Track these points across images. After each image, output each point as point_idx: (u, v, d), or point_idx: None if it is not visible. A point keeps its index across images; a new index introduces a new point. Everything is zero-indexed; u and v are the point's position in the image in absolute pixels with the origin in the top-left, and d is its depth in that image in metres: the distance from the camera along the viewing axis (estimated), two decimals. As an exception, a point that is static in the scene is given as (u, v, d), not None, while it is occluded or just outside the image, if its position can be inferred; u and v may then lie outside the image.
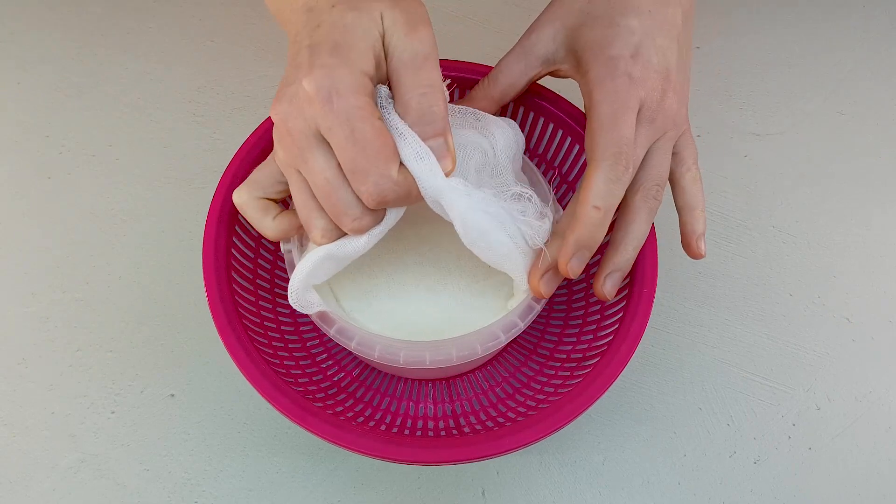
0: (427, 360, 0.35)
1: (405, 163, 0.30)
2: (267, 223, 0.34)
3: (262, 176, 0.34)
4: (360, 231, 0.32)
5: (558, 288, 0.37)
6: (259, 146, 0.42)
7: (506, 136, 0.36)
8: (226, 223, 0.39)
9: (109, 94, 0.56)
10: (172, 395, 0.46)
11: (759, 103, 0.57)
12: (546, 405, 0.37)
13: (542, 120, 0.44)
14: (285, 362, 0.40)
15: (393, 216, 0.32)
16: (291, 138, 0.30)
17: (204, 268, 0.38)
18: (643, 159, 0.35)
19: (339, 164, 0.30)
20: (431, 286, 0.39)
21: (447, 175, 0.31)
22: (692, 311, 0.49)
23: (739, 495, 0.44)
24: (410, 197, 0.31)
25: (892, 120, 0.57)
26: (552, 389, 0.40)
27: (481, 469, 0.44)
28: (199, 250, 0.38)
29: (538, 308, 0.36)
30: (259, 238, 0.42)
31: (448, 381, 0.44)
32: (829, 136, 0.56)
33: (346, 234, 0.32)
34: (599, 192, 0.33)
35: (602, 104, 0.34)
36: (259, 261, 0.42)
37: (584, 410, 0.35)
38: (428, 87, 0.30)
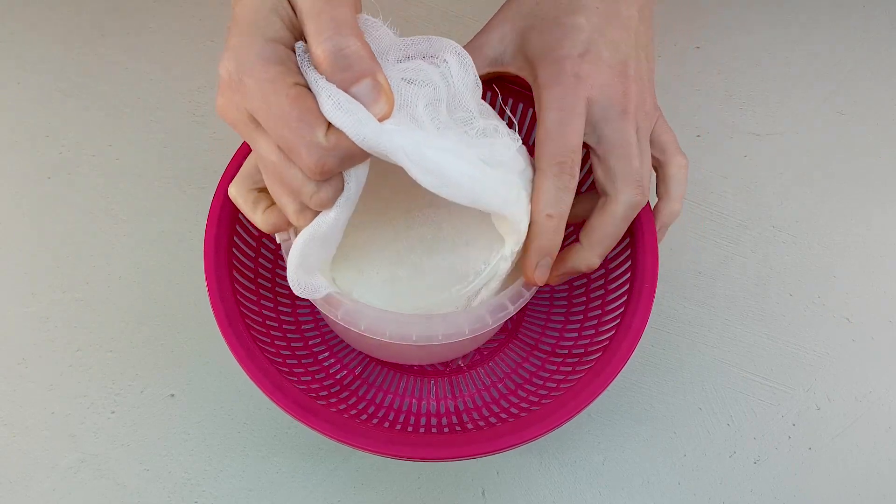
0: (413, 336, 0.35)
1: (330, 119, 0.27)
2: (257, 217, 0.34)
3: (249, 166, 0.33)
4: (325, 205, 0.29)
5: (559, 284, 0.37)
6: (259, 146, 0.42)
7: (462, 63, 0.33)
8: (226, 222, 0.39)
9: (109, 94, 0.56)
10: (172, 395, 0.46)
11: (759, 103, 0.57)
12: (549, 400, 0.38)
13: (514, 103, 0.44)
14: (288, 361, 0.40)
15: (355, 176, 0.30)
16: (237, 129, 0.29)
17: (205, 267, 0.38)
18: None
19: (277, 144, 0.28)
20: (426, 246, 0.38)
21: (385, 118, 0.28)
22: (692, 311, 0.49)
23: (739, 495, 0.44)
24: (354, 156, 0.28)
25: (892, 120, 0.57)
26: (554, 385, 0.40)
27: (481, 469, 0.44)
28: (200, 250, 0.38)
29: (528, 294, 0.36)
30: (260, 237, 0.42)
31: (450, 378, 0.44)
32: (829, 136, 0.56)
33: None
34: (550, 201, 0.34)
35: (549, 111, 0.34)
36: (260, 260, 0.42)
37: (587, 405, 0.36)
38: (331, 29, 0.27)
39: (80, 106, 0.55)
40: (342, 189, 0.30)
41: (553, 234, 0.34)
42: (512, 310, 0.36)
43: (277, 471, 0.44)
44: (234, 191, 0.34)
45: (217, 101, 0.29)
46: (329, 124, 0.27)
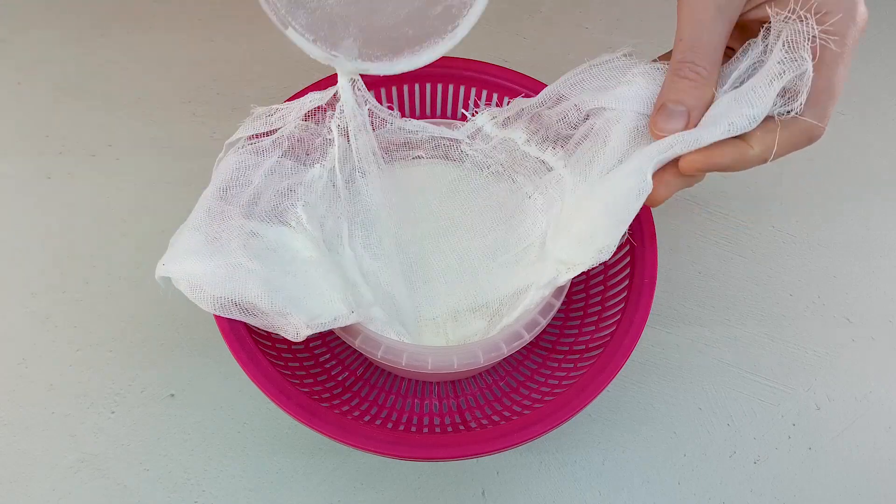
0: (429, 364, 0.35)
1: None
2: None
3: None
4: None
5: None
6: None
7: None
8: (226, 223, 0.39)
9: (109, 94, 0.56)
10: (172, 395, 0.46)
11: (759, 103, 0.57)
12: (551, 398, 0.38)
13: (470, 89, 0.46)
14: (290, 364, 0.40)
15: None
16: None
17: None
18: None
19: None
20: (450, 268, 0.39)
21: None
22: (692, 311, 0.49)
23: (739, 495, 0.44)
24: None
25: (893, 120, 0.57)
26: (556, 382, 0.40)
27: (481, 469, 0.44)
28: (200, 250, 0.38)
29: (543, 322, 0.37)
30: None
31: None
32: (830, 136, 0.56)
33: None
34: (666, 93, 0.33)
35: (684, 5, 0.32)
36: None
37: (589, 402, 0.36)
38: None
39: (80, 106, 0.55)
40: None
41: (674, 116, 0.32)
42: (528, 338, 0.36)
43: (277, 471, 0.44)
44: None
45: None
46: None
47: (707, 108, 0.32)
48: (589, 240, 0.34)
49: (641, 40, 0.60)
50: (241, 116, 0.55)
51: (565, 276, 0.36)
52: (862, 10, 0.31)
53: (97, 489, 0.43)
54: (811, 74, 0.30)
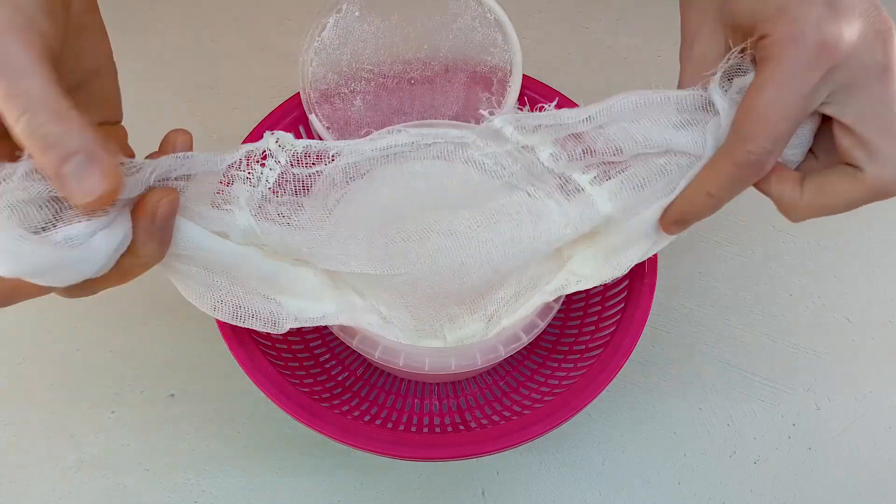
0: (427, 365, 0.35)
1: None
2: None
3: None
4: None
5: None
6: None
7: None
8: (226, 223, 0.39)
9: (109, 94, 0.56)
10: (172, 395, 0.46)
11: (759, 103, 0.57)
12: (551, 397, 0.38)
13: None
14: (290, 364, 0.40)
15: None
16: None
17: (204, 268, 0.38)
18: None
19: None
20: (442, 271, 0.39)
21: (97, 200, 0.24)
22: (692, 311, 0.49)
23: (739, 495, 0.44)
24: None
25: (892, 120, 0.57)
26: (556, 382, 0.40)
27: (481, 469, 0.44)
28: (200, 250, 0.38)
29: (542, 324, 0.37)
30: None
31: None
32: (829, 137, 0.56)
33: None
34: (717, 183, 0.31)
35: (764, 86, 0.27)
36: (259, 261, 0.42)
37: (589, 402, 0.36)
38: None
39: (79, 106, 0.55)
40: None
41: (702, 208, 0.31)
42: (526, 340, 0.36)
43: (277, 470, 0.44)
44: None
45: None
46: None
47: None
48: (614, 260, 0.35)
49: (641, 40, 0.60)
50: (242, 116, 0.55)
51: (574, 287, 0.36)
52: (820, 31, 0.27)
53: (97, 489, 0.43)
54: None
